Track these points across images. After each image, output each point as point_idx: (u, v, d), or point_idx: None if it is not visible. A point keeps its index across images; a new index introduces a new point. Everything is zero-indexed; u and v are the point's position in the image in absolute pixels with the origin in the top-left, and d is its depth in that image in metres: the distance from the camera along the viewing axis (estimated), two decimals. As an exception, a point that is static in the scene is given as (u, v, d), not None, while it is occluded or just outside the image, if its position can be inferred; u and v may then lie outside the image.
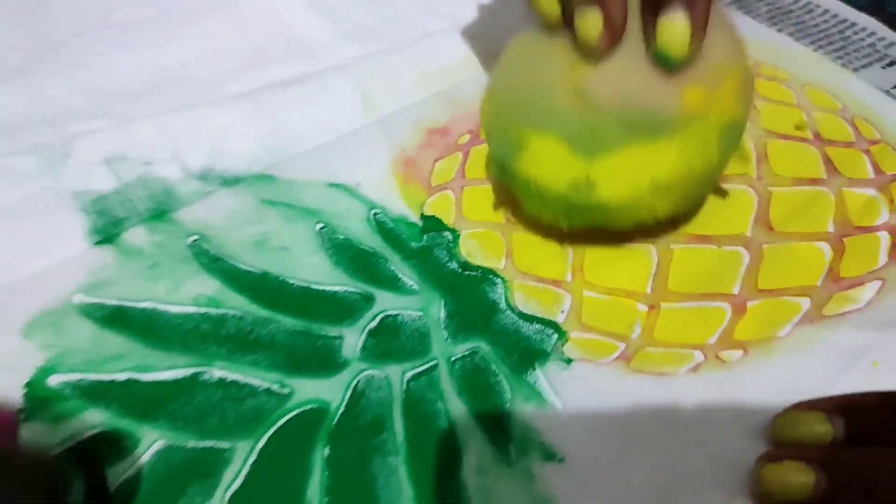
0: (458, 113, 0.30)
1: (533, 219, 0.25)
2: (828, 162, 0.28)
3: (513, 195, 0.25)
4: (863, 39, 0.33)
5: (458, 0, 0.35)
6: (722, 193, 0.26)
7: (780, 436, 0.20)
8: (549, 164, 0.22)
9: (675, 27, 0.20)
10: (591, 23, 0.20)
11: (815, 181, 0.27)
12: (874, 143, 0.28)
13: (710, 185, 0.25)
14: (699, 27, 0.20)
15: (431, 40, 0.33)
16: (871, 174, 0.27)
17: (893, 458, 0.19)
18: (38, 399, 0.21)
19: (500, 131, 0.23)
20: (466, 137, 0.29)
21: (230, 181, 0.27)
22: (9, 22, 0.34)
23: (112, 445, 0.20)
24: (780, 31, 0.34)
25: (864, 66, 0.32)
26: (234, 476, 0.20)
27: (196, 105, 0.30)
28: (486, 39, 0.33)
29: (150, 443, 0.20)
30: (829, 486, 0.18)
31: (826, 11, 0.35)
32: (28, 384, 0.22)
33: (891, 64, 0.32)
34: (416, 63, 0.32)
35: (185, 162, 0.28)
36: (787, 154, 0.28)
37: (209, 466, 0.20)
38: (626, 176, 0.21)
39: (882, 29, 0.34)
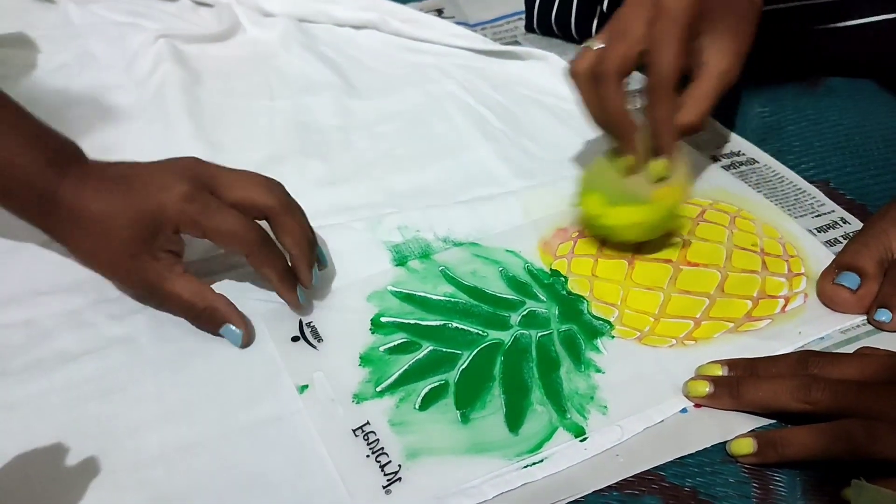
0: (572, 221, 0.57)
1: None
2: (763, 264, 0.53)
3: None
4: (806, 199, 0.59)
5: (579, 158, 0.63)
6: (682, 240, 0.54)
7: (700, 372, 0.46)
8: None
9: (658, 163, 0.50)
10: (629, 160, 0.51)
11: (753, 272, 0.52)
12: (792, 256, 0.54)
13: (660, 232, 0.52)
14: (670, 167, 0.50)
15: (562, 182, 0.60)
16: (785, 271, 0.53)
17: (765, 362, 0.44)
18: (377, 325, 0.49)
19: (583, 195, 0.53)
20: (575, 234, 0.56)
21: (457, 244, 0.55)
22: (339, 150, 0.65)
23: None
24: (759, 191, 0.59)
25: (801, 216, 0.57)
26: (462, 363, 0.47)
27: (440, 205, 0.58)
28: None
29: (426, 347, 0.48)
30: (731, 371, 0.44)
31: (790, 182, 0.60)
32: (372, 321, 0.50)
33: (818, 216, 0.57)
34: (553, 192, 0.59)
35: (436, 232, 0.56)
36: (743, 258, 0.53)
37: (451, 359, 0.47)
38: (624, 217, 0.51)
39: (819, 195, 0.59)
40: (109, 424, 0.43)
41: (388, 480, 0.41)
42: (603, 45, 0.50)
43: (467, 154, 0.64)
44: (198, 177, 0.47)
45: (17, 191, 0.47)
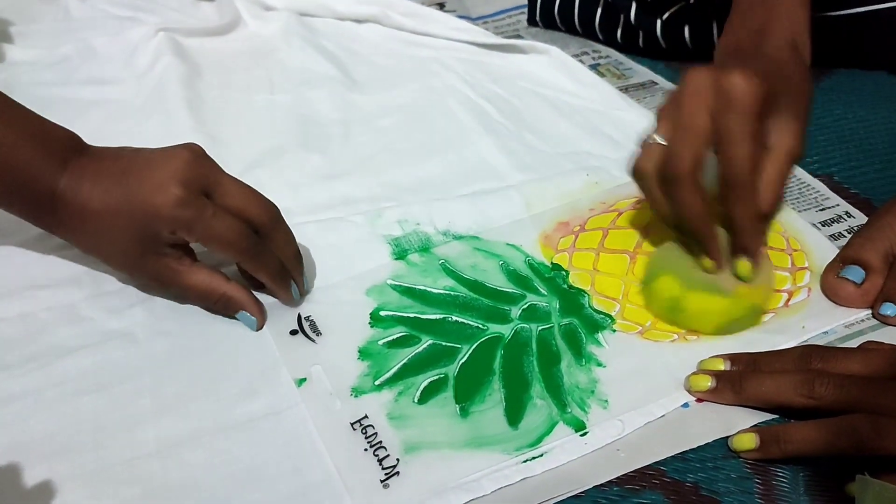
0: (574, 215, 0.57)
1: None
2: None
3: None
4: (810, 193, 0.58)
5: (584, 153, 0.62)
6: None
7: (702, 367, 0.45)
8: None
9: (744, 265, 0.47)
10: (709, 263, 0.48)
11: (757, 265, 0.52)
12: (796, 250, 0.53)
13: (738, 329, 0.48)
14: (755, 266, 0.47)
15: (564, 176, 0.60)
16: (789, 265, 0.52)
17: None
18: (376, 319, 0.49)
19: (652, 279, 0.50)
20: (577, 228, 0.56)
21: (458, 237, 0.55)
22: (339, 144, 0.64)
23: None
24: (763, 185, 0.59)
25: (805, 209, 0.57)
26: (461, 357, 0.46)
27: (440, 198, 0.58)
28: (594, 177, 0.60)
29: (426, 341, 0.47)
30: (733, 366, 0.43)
31: (794, 176, 0.60)
32: (371, 314, 0.49)
33: (822, 210, 0.57)
34: (555, 186, 0.59)
35: (436, 226, 0.55)
36: (746, 251, 0.53)
37: (451, 352, 0.47)
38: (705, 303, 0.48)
39: (823, 188, 0.58)
40: (105, 418, 0.43)
41: (385, 475, 0.41)
42: (664, 142, 0.47)
43: (468, 147, 0.63)
44: (196, 178, 0.45)
45: (19, 189, 0.46)
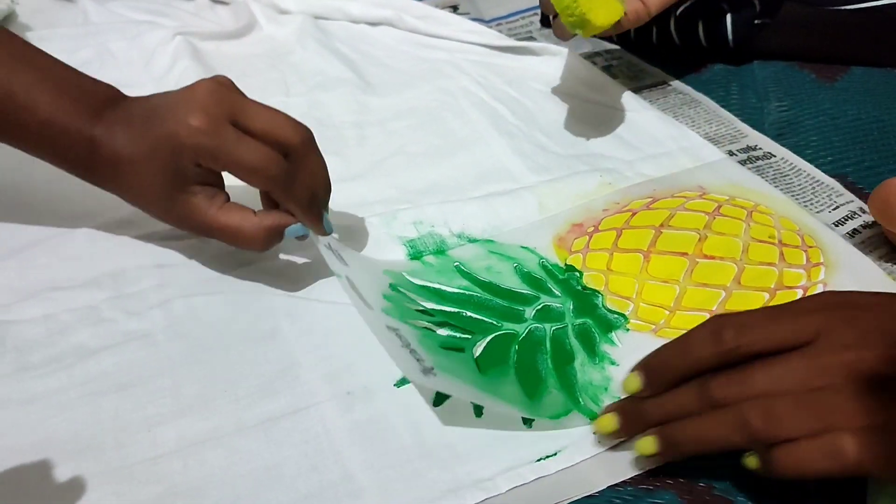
0: (588, 217, 0.57)
1: None
2: (781, 255, 0.53)
3: None
4: (824, 192, 0.58)
5: (597, 154, 0.63)
6: None
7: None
8: None
9: None
10: None
11: (770, 264, 0.52)
12: (811, 247, 0.53)
13: None
14: None
15: (578, 176, 0.60)
16: (804, 262, 0.52)
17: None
18: (395, 290, 0.50)
19: None
20: (591, 229, 0.56)
21: (472, 240, 0.55)
22: (353, 146, 0.65)
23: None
24: (776, 185, 0.59)
25: (819, 210, 0.57)
26: (479, 350, 0.47)
27: (454, 200, 0.58)
28: (607, 178, 0.60)
29: (443, 333, 0.48)
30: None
31: (808, 175, 0.60)
32: (390, 285, 0.50)
33: (836, 208, 0.57)
34: (569, 188, 0.59)
35: (451, 228, 0.56)
36: (760, 250, 0.53)
37: (467, 344, 0.47)
38: None
39: (838, 187, 0.58)
40: (126, 418, 0.44)
41: (423, 369, 0.43)
42: None
43: (482, 149, 0.64)
44: (218, 105, 0.44)
45: (56, 140, 0.47)
